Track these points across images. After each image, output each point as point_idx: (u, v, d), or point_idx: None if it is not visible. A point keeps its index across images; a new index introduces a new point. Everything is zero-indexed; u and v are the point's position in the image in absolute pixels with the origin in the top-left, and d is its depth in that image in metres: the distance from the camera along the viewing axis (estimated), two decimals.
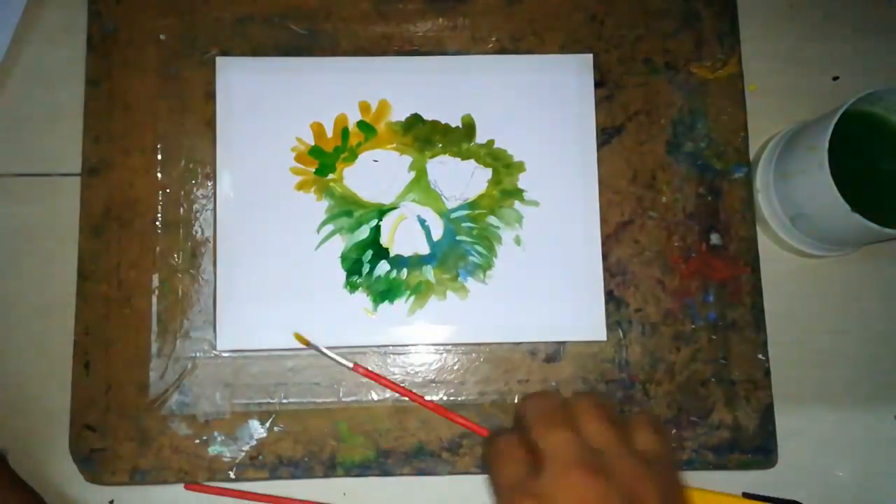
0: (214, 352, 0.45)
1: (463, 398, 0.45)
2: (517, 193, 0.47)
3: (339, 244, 0.46)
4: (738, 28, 0.49)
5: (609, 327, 0.46)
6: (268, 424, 0.45)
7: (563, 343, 0.46)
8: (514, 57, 0.49)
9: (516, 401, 0.45)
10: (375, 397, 0.45)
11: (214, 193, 0.47)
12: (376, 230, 0.47)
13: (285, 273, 0.46)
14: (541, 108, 0.48)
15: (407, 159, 0.47)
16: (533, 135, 0.48)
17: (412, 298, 0.46)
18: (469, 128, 0.48)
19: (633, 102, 0.48)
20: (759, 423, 0.46)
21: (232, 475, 0.44)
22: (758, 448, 0.46)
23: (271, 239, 0.46)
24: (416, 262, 0.46)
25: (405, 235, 0.47)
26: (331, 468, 0.45)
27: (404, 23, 0.49)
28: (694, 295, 0.47)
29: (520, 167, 0.48)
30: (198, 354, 0.45)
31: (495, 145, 0.48)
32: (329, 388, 0.45)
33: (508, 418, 0.45)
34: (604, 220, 0.47)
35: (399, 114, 0.48)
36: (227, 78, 0.47)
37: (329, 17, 0.48)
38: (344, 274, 0.46)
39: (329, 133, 0.47)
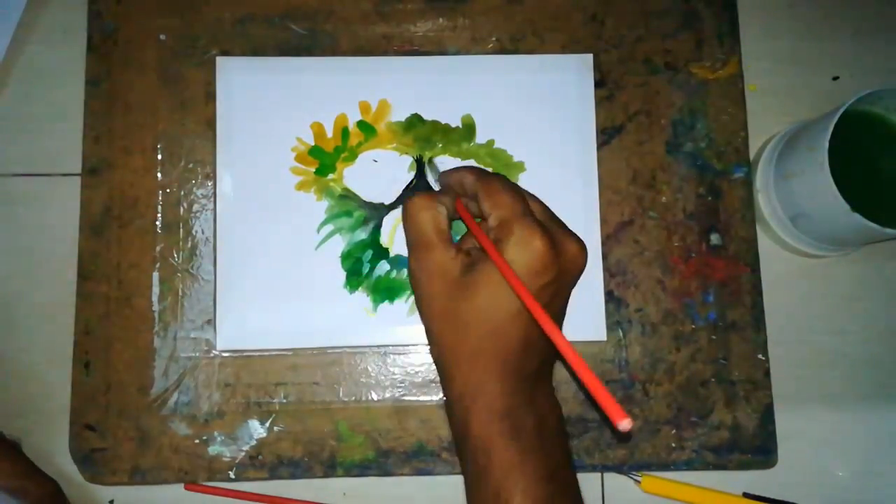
0: (214, 352, 0.45)
1: None
2: None
3: (339, 244, 0.46)
4: (738, 28, 0.49)
5: (609, 327, 0.46)
6: (268, 424, 0.45)
7: None
8: (514, 57, 0.49)
9: None
10: (375, 397, 0.45)
11: (214, 193, 0.47)
12: (376, 230, 0.47)
13: (285, 273, 0.46)
14: (541, 108, 0.48)
15: (407, 159, 0.47)
16: (533, 135, 0.48)
17: (412, 298, 0.46)
18: (469, 128, 0.48)
19: (633, 102, 0.48)
20: (759, 423, 0.46)
21: (232, 475, 0.44)
22: (758, 448, 0.46)
23: (271, 239, 0.46)
24: None
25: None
26: (331, 468, 0.45)
27: (404, 23, 0.49)
28: (694, 295, 0.47)
29: (520, 167, 0.48)
30: (198, 354, 0.45)
31: (495, 145, 0.48)
32: (329, 387, 0.45)
33: None
34: (604, 220, 0.47)
35: (399, 114, 0.48)
36: (227, 78, 0.47)
37: (329, 17, 0.48)
38: (344, 274, 0.46)
39: (329, 133, 0.47)
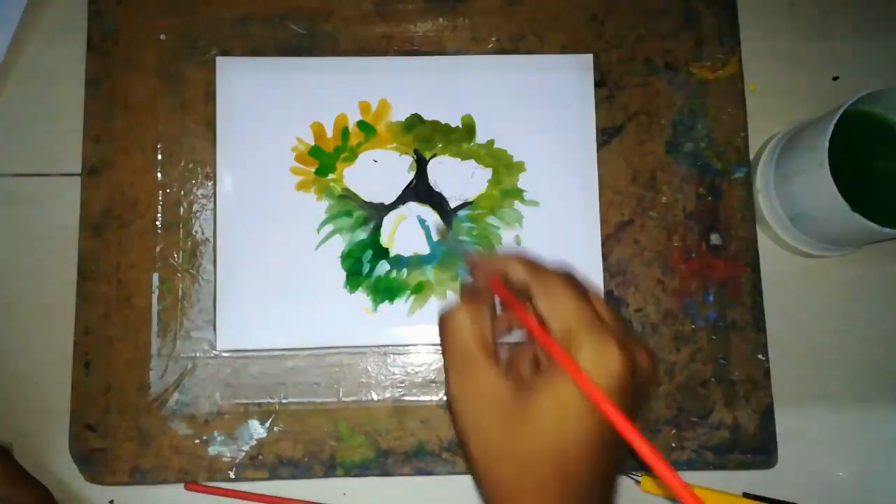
0: (214, 352, 0.45)
1: None
2: (517, 193, 0.47)
3: (339, 244, 0.46)
4: (738, 28, 0.49)
5: None
6: (268, 424, 0.45)
7: None
8: (514, 57, 0.49)
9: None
10: (375, 397, 0.45)
11: (214, 193, 0.47)
12: (376, 230, 0.47)
13: (285, 273, 0.46)
14: (541, 108, 0.48)
15: (407, 159, 0.47)
16: (533, 135, 0.48)
17: (412, 298, 0.46)
18: (469, 128, 0.48)
19: (633, 102, 0.48)
20: (759, 423, 0.46)
21: (232, 475, 0.44)
22: (758, 448, 0.46)
23: (271, 239, 0.46)
24: (416, 262, 0.46)
25: (405, 235, 0.47)
26: (331, 468, 0.45)
27: (404, 23, 0.49)
28: (694, 295, 0.47)
29: (520, 167, 0.48)
30: (198, 354, 0.45)
31: (495, 145, 0.48)
32: (329, 388, 0.45)
33: None
34: (604, 220, 0.47)
35: (399, 114, 0.48)
36: (227, 78, 0.47)
37: (329, 17, 0.48)
38: (344, 274, 0.46)
39: (329, 133, 0.47)
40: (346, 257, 0.46)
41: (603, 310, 0.32)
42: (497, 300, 0.34)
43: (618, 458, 0.30)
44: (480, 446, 0.31)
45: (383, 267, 0.46)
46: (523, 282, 0.32)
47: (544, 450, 0.29)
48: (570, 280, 0.32)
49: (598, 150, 0.48)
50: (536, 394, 0.29)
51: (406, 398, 0.45)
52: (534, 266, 0.32)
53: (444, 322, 0.33)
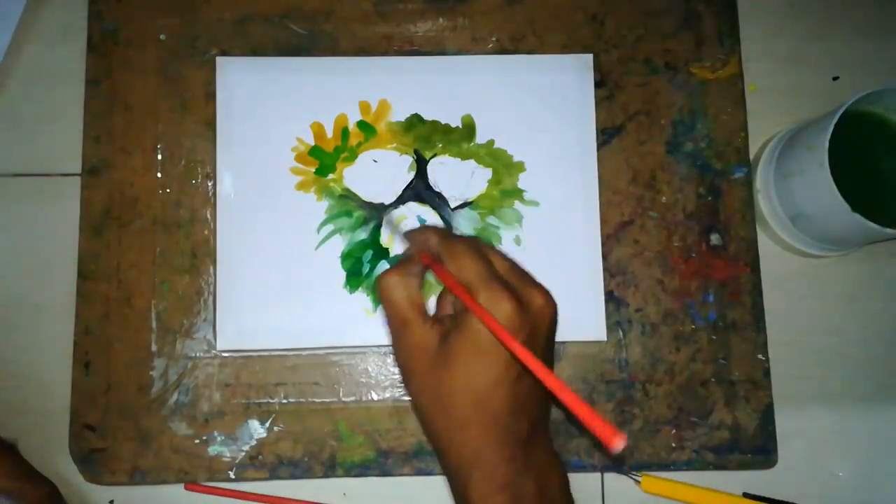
0: (214, 352, 0.45)
1: None
2: (517, 193, 0.47)
3: (339, 244, 0.46)
4: (738, 28, 0.49)
5: (609, 327, 0.46)
6: (268, 424, 0.45)
7: (563, 343, 0.46)
8: (514, 57, 0.49)
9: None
10: (375, 397, 0.45)
11: (214, 193, 0.47)
12: (376, 230, 0.47)
13: (285, 273, 0.46)
14: (541, 108, 0.48)
15: (407, 159, 0.47)
16: (533, 135, 0.48)
17: None
18: (469, 128, 0.48)
19: (633, 102, 0.48)
20: (759, 423, 0.46)
21: (232, 475, 0.44)
22: (758, 448, 0.46)
23: (271, 239, 0.46)
24: None
25: None
26: (331, 468, 0.45)
27: (404, 23, 0.49)
28: (694, 295, 0.47)
29: (520, 167, 0.48)
30: (198, 354, 0.45)
31: (495, 145, 0.48)
32: (329, 387, 0.45)
33: None
34: (604, 220, 0.47)
35: (399, 114, 0.48)
36: (227, 78, 0.47)
37: (329, 17, 0.48)
38: (344, 274, 0.46)
39: (329, 133, 0.47)
40: (346, 257, 0.46)
41: (500, 263, 0.37)
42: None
43: (533, 392, 0.35)
44: (416, 391, 0.37)
45: (383, 267, 0.46)
46: (436, 249, 0.38)
47: (461, 388, 0.34)
48: (471, 244, 0.37)
49: (598, 150, 0.48)
50: (451, 342, 0.35)
51: (406, 398, 0.45)
52: (444, 236, 0.38)
53: (378, 285, 0.37)
